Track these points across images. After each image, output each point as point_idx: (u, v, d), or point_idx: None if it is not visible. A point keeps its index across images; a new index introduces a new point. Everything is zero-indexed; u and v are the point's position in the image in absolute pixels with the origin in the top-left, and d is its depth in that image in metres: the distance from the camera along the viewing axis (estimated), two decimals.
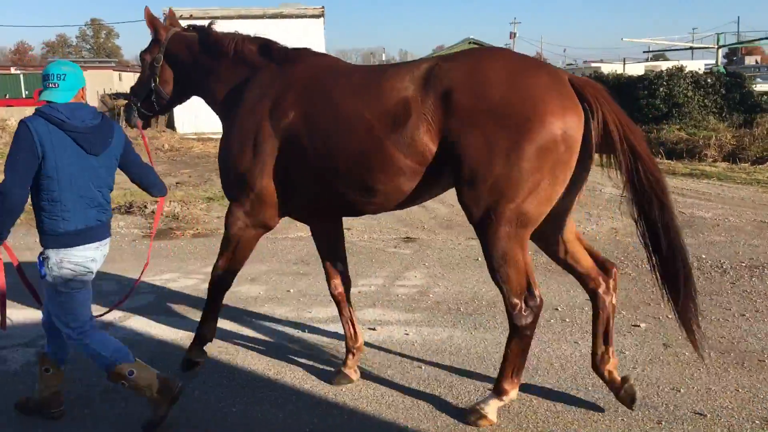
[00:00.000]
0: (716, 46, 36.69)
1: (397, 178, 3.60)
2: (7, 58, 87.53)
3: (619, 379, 3.79)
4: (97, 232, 3.61)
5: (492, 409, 3.71)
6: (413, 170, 3.56)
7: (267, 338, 5.13)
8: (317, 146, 3.73)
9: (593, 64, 61.78)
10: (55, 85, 3.54)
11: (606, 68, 55.72)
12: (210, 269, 4.38)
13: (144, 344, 5.00)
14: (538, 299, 3.57)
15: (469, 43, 55.84)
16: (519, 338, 3.61)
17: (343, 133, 3.65)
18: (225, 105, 4.32)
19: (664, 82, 23.00)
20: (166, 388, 3.60)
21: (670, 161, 16.26)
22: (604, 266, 3.89)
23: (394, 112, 3.52)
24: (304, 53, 4.23)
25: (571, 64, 67.35)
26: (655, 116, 22.79)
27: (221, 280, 4.25)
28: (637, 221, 3.55)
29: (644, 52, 57.98)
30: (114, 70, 53.50)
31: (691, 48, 44.63)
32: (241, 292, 6.21)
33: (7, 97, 45.03)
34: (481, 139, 3.34)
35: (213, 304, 4.36)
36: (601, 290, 3.82)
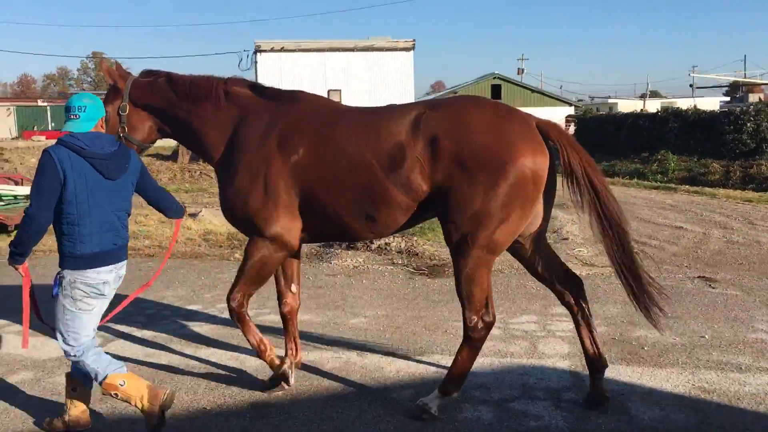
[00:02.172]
0: None
1: (396, 211, 4.02)
2: (13, 91, 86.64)
3: None
4: (112, 255, 3.78)
5: (435, 405, 4.17)
6: (408, 205, 3.99)
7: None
8: (327, 181, 4.05)
9: (610, 101, 63.04)
10: (76, 116, 3.76)
11: (623, 104, 56.78)
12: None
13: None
14: (492, 317, 4.08)
15: (494, 78, 56.72)
16: (470, 349, 4.12)
17: (349, 171, 3.99)
18: (217, 146, 4.42)
19: (751, 117, 23.01)
20: (153, 397, 3.75)
21: None
22: (573, 281, 4.39)
23: (391, 153, 3.92)
24: (301, 94, 4.49)
25: (581, 100, 68.42)
26: (742, 152, 22.78)
27: (238, 305, 4.37)
28: (603, 241, 4.07)
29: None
30: None
31: (759, 82, 45.18)
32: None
33: (36, 129, 44.30)
34: (465, 179, 3.80)
35: (248, 326, 4.42)
36: (573, 302, 4.36)
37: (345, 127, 4.10)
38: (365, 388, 4.75)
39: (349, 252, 9.51)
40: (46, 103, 48.32)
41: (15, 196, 10.97)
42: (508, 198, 3.78)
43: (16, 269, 3.79)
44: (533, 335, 5.85)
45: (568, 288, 4.37)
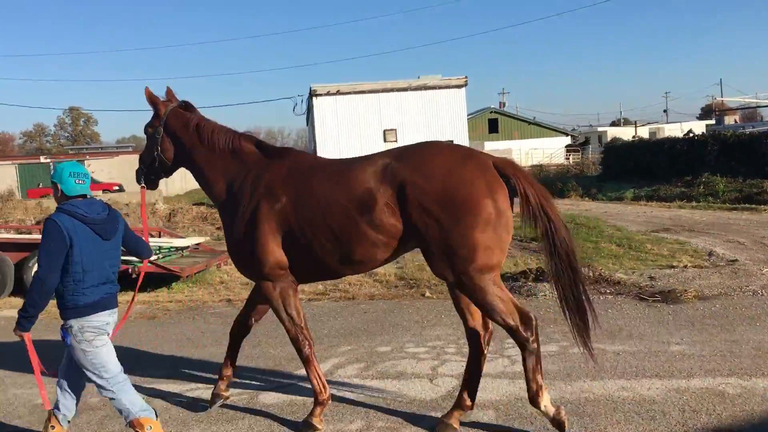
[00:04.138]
0: None
1: (372, 249, 4.43)
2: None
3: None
4: (108, 302, 4.24)
5: (546, 403, 4.34)
6: (384, 243, 4.40)
7: None
8: (307, 224, 4.51)
9: (599, 129, 64.50)
10: (83, 182, 4.26)
11: (612, 132, 58.11)
12: None
13: None
14: (528, 315, 4.28)
15: (491, 112, 57.75)
16: (529, 352, 4.28)
17: (326, 215, 4.45)
18: (220, 194, 4.98)
19: None
20: None
21: None
22: (486, 323, 4.74)
23: (361, 198, 4.35)
24: (290, 151, 5.03)
25: (575, 129, 70.24)
26: None
27: (300, 341, 4.77)
28: (552, 269, 4.37)
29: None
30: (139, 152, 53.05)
31: None
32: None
33: (41, 186, 43.38)
34: (433, 220, 4.19)
35: (312, 364, 4.80)
36: (483, 342, 4.70)
37: (322, 177, 4.60)
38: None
39: (537, 284, 9.40)
40: (48, 160, 47.67)
41: (175, 248, 10.76)
42: (476, 229, 4.11)
43: (21, 337, 4.12)
44: None
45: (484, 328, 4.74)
